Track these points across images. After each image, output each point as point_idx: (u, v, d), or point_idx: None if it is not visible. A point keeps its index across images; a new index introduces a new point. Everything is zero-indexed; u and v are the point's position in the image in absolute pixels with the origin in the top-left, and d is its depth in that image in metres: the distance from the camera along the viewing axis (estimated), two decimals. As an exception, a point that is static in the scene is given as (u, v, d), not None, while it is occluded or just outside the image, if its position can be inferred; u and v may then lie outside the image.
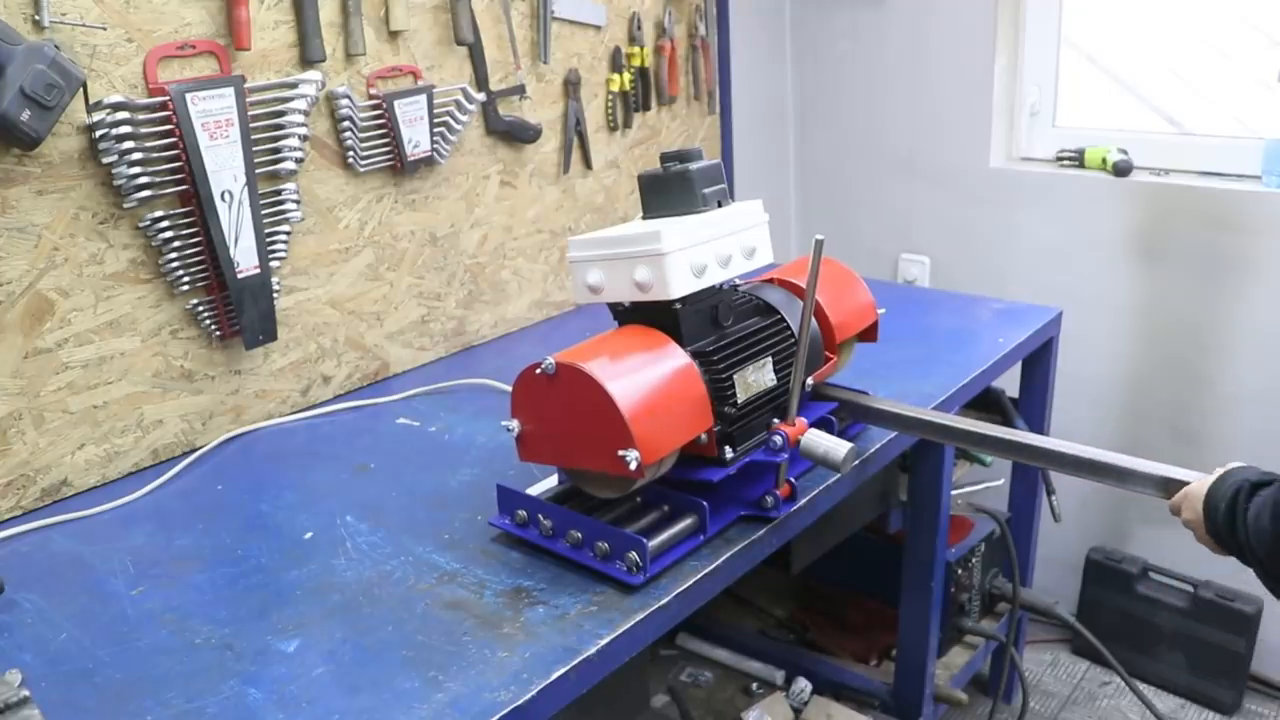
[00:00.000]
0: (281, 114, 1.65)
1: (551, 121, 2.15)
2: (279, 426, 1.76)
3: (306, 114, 1.68)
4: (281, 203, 1.69)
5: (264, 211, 1.65)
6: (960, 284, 2.64)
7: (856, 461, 1.49)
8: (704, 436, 1.26)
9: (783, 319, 1.42)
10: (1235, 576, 2.30)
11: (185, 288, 1.60)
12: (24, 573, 1.33)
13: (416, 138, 1.85)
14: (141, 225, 1.53)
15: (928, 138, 2.68)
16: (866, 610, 2.24)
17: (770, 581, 2.33)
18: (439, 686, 1.07)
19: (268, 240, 1.67)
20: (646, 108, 2.35)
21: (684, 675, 2.19)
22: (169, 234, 1.56)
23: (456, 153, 1.98)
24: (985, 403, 2.12)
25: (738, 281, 1.44)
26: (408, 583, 1.27)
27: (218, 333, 1.66)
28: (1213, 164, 2.34)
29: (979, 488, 2.19)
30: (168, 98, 1.50)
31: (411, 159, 1.86)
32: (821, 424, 1.41)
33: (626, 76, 2.27)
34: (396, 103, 1.80)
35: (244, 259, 1.63)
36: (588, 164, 2.25)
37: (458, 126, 1.93)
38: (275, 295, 1.70)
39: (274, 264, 1.70)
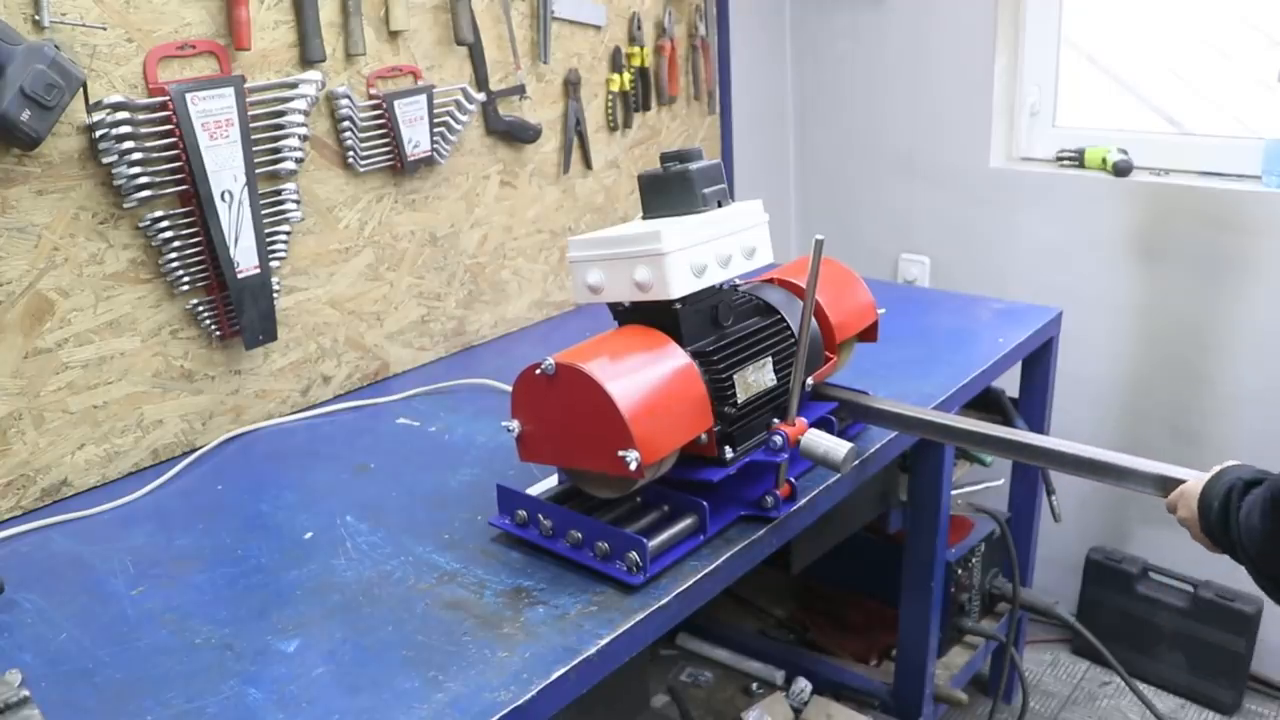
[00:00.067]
0: (281, 114, 1.65)
1: (551, 121, 2.15)
2: (279, 426, 1.76)
3: (306, 114, 1.68)
4: (281, 203, 1.69)
5: (264, 211, 1.65)
6: (960, 284, 2.64)
7: (856, 461, 1.49)
8: (704, 436, 1.26)
9: (783, 319, 1.42)
10: (1235, 576, 2.29)
11: (185, 288, 1.60)
12: (24, 573, 1.33)
13: (416, 138, 1.85)
14: (141, 225, 1.54)
15: (928, 138, 2.68)
16: (866, 610, 2.24)
17: (770, 581, 2.33)
18: (439, 686, 1.07)
19: (268, 240, 1.67)
20: (646, 108, 2.35)
21: (684, 675, 2.19)
22: (169, 234, 1.56)
23: (456, 153, 1.98)
24: (985, 403, 2.12)
25: (738, 281, 1.44)
26: (408, 583, 1.27)
27: (218, 333, 1.66)
28: (1213, 164, 2.34)
29: (979, 488, 2.19)
30: (168, 98, 1.50)
31: (411, 159, 1.86)
32: (821, 424, 1.41)
33: (626, 76, 2.27)
34: (396, 103, 1.80)
35: (244, 259, 1.63)
36: (588, 164, 2.25)
37: (458, 126, 1.93)
38: (275, 295, 1.71)
39: (274, 264, 1.70)
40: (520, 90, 2.06)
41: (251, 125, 1.60)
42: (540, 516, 1.30)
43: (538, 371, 1.23)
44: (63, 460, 1.53)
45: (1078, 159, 2.48)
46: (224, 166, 1.57)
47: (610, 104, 2.26)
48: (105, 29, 1.45)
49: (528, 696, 1.05)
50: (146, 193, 1.51)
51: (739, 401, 1.29)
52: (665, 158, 1.36)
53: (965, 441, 1.44)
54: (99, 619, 1.23)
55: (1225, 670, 2.43)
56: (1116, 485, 1.29)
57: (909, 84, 2.66)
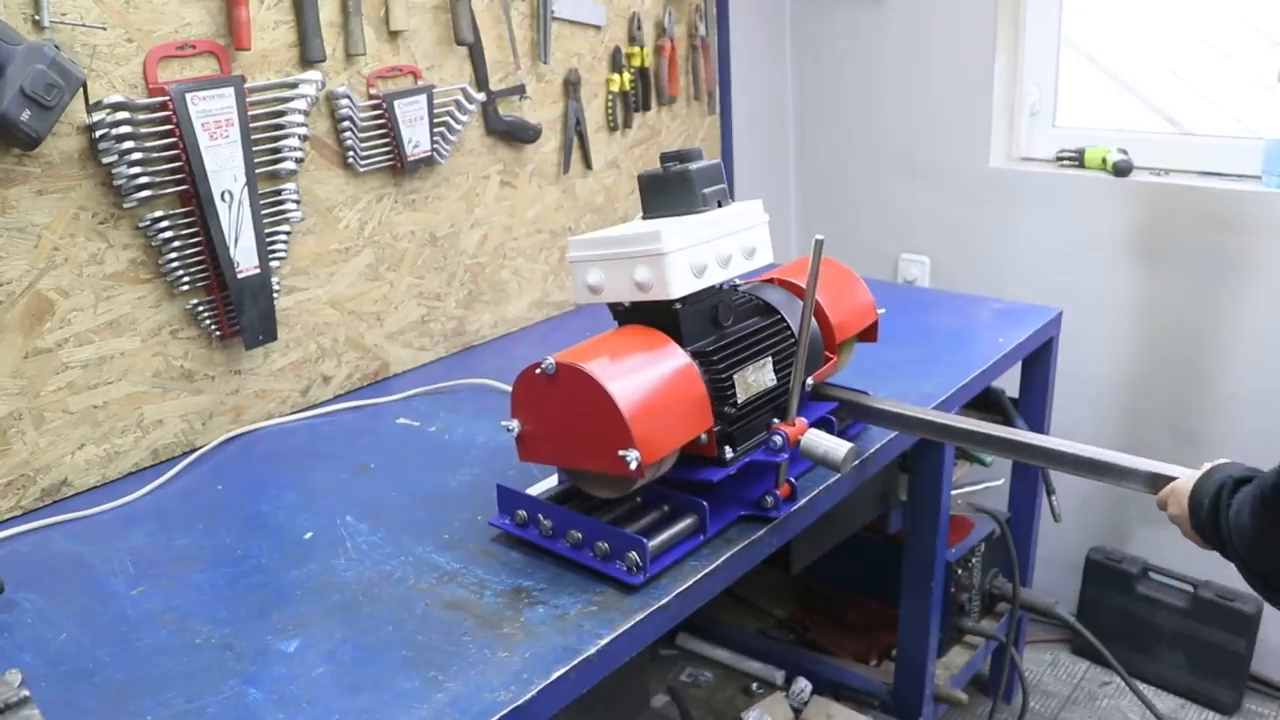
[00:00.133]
0: (281, 114, 1.65)
1: (551, 121, 2.15)
2: (279, 426, 1.76)
3: (306, 114, 1.68)
4: (281, 203, 1.69)
5: (264, 211, 1.65)
6: (960, 284, 2.64)
7: (856, 461, 1.49)
8: (704, 436, 1.26)
9: (783, 319, 1.42)
10: (1235, 576, 2.29)
11: (185, 288, 1.60)
12: (24, 573, 1.33)
13: (416, 138, 1.85)
14: (141, 225, 1.54)
15: (928, 138, 2.68)
16: (866, 610, 2.24)
17: (770, 581, 2.33)
18: (439, 686, 1.07)
19: (268, 240, 1.67)
20: (646, 108, 2.35)
21: (684, 675, 2.19)
22: (169, 234, 1.56)
23: (456, 153, 1.98)
24: (985, 403, 2.12)
25: (738, 281, 1.44)
26: (408, 583, 1.27)
27: (218, 333, 1.66)
28: (1213, 164, 2.34)
29: (979, 488, 2.19)
30: (168, 98, 1.50)
31: (411, 159, 1.86)
32: (821, 424, 1.41)
33: (626, 76, 2.27)
34: (396, 103, 1.80)
35: (244, 259, 1.63)
36: (588, 164, 2.25)
37: (458, 126, 1.93)
38: (275, 295, 1.71)
39: (274, 264, 1.70)
40: (520, 90, 2.06)
41: (251, 125, 1.60)
42: (540, 516, 1.30)
43: (538, 371, 1.23)
44: (63, 460, 1.53)
45: (1078, 159, 2.48)
46: (224, 166, 1.57)
47: (610, 104, 2.26)
48: (105, 29, 1.45)
49: (528, 696, 1.05)
50: (146, 193, 1.51)
51: (739, 401, 1.29)
52: (665, 158, 1.36)
53: (965, 441, 1.44)
54: (99, 619, 1.23)
55: (1225, 670, 2.43)
56: (1107, 482, 1.30)
57: (909, 84, 2.66)
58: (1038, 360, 2.15)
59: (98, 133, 1.44)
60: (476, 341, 2.12)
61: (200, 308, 1.63)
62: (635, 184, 1.40)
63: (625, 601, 1.20)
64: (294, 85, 1.66)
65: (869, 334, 1.57)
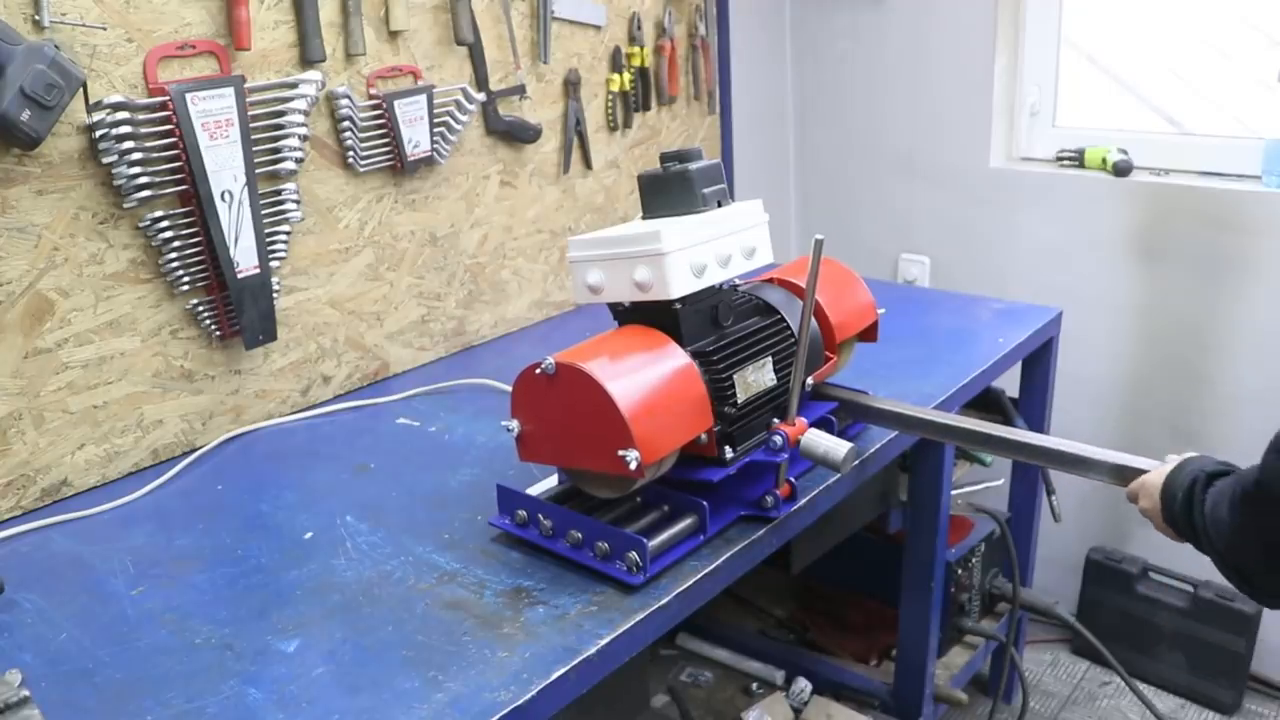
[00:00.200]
0: (281, 114, 1.65)
1: (551, 121, 2.15)
2: (279, 426, 1.76)
3: (306, 114, 1.68)
4: (281, 203, 1.69)
5: (264, 211, 1.65)
6: (960, 284, 2.64)
7: (856, 461, 1.49)
8: (704, 436, 1.26)
9: (783, 319, 1.42)
10: (1235, 576, 2.30)
11: (185, 288, 1.60)
12: (24, 573, 1.33)
13: (416, 138, 1.85)
14: (141, 225, 1.54)
15: (928, 138, 2.68)
16: (866, 610, 2.24)
17: (770, 581, 2.33)
18: (439, 686, 1.07)
19: (268, 240, 1.67)
20: (646, 108, 2.35)
21: (684, 675, 2.19)
22: (169, 234, 1.56)
23: (456, 153, 1.98)
24: (985, 403, 2.12)
25: (738, 281, 1.44)
26: (408, 583, 1.27)
27: (218, 333, 1.66)
28: (1213, 164, 2.34)
29: (979, 488, 2.19)
30: (168, 98, 1.50)
31: (411, 159, 1.86)
32: (821, 424, 1.41)
33: (626, 76, 2.27)
34: (396, 103, 1.80)
35: (244, 259, 1.63)
36: (588, 164, 2.25)
37: (458, 126, 1.93)
38: (275, 295, 1.71)
39: (274, 264, 1.70)
40: (520, 90, 2.06)
41: (251, 125, 1.60)
42: (540, 516, 1.30)
43: (538, 371, 1.23)
44: (63, 460, 1.53)
45: (1078, 159, 2.48)
46: (224, 166, 1.57)
47: (610, 104, 2.26)
48: (105, 29, 1.44)
49: (528, 696, 1.05)
50: (146, 193, 1.51)
51: (739, 401, 1.29)
52: (665, 158, 1.36)
53: (964, 440, 1.44)
54: (99, 619, 1.23)
55: (1225, 670, 2.43)
56: (1075, 474, 1.33)
57: (909, 84, 2.66)
58: (1038, 360, 2.15)
59: (98, 133, 1.44)
60: (476, 341, 2.12)
61: (200, 308, 1.63)
62: (635, 184, 1.40)
63: (625, 601, 1.20)
64: (294, 85, 1.66)
65: (869, 334, 1.57)
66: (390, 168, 1.86)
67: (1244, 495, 1.02)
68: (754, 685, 2.14)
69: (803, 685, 2.02)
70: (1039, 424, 2.18)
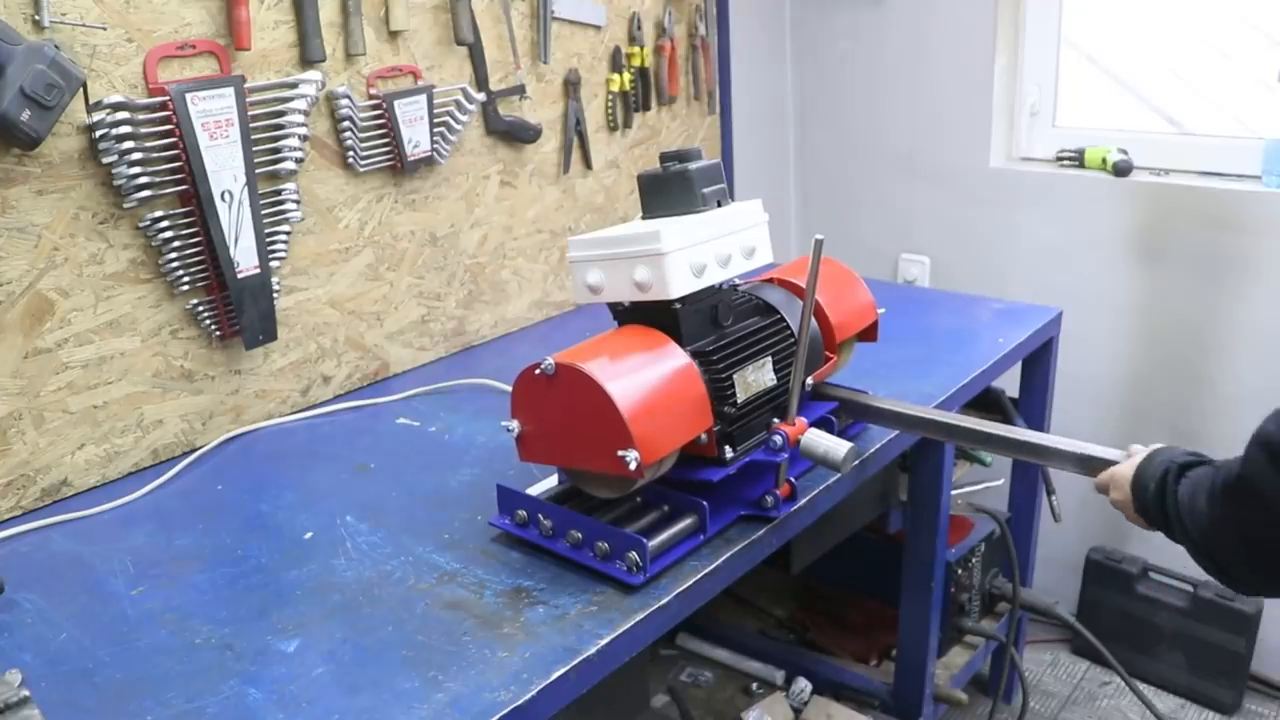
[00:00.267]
0: (281, 114, 1.65)
1: (551, 121, 2.15)
2: (279, 426, 1.76)
3: (306, 114, 1.68)
4: (281, 203, 1.69)
5: (264, 211, 1.65)
6: (960, 284, 2.64)
7: (856, 461, 1.49)
8: (704, 436, 1.26)
9: (783, 319, 1.42)
10: (1235, 576, 2.29)
11: (185, 288, 1.60)
12: (24, 573, 1.33)
13: (416, 138, 1.85)
14: (141, 225, 1.54)
15: (928, 138, 2.68)
16: (866, 610, 2.24)
17: (770, 581, 2.33)
18: (439, 686, 1.07)
19: (268, 240, 1.67)
20: (646, 108, 2.35)
21: (684, 675, 2.19)
22: (169, 234, 1.56)
23: (456, 153, 1.98)
24: (985, 403, 2.12)
25: (737, 281, 1.44)
26: (408, 583, 1.27)
27: (218, 333, 1.66)
28: (1213, 164, 2.34)
29: (979, 488, 2.19)
30: (168, 98, 1.50)
31: (411, 159, 1.86)
32: (821, 424, 1.41)
33: (626, 76, 2.27)
34: (396, 103, 1.80)
35: (244, 259, 1.63)
36: (588, 164, 2.25)
37: (458, 126, 1.93)
38: (275, 295, 1.71)
39: (274, 264, 1.70)
40: (520, 90, 2.06)
41: (251, 125, 1.60)
42: (540, 516, 1.30)
43: (537, 371, 1.23)
44: (63, 460, 1.53)
45: (1078, 159, 2.48)
46: (224, 166, 1.57)
47: (610, 104, 2.26)
48: (105, 29, 1.44)
49: (528, 696, 1.05)
50: (146, 193, 1.51)
51: (739, 401, 1.29)
52: (665, 158, 1.36)
53: (963, 439, 1.44)
54: (99, 619, 1.23)
55: (1225, 670, 2.43)
56: (1042, 464, 1.34)
57: (909, 84, 2.66)
58: (1038, 360, 2.15)
59: (98, 133, 1.44)
60: (476, 341, 2.12)
61: (200, 308, 1.63)
62: (635, 184, 1.40)
63: (625, 601, 1.20)
64: (294, 85, 1.66)
65: (869, 334, 1.57)
66: (390, 168, 1.86)
67: (1225, 488, 1.02)
68: (754, 685, 2.14)
69: (803, 685, 2.02)
70: (1039, 424, 2.18)
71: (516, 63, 2.04)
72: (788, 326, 1.41)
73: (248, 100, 1.58)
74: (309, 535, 1.40)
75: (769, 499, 1.34)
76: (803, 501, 1.40)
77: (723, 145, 2.61)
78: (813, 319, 1.36)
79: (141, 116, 1.48)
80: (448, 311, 2.04)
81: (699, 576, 1.25)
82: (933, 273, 2.76)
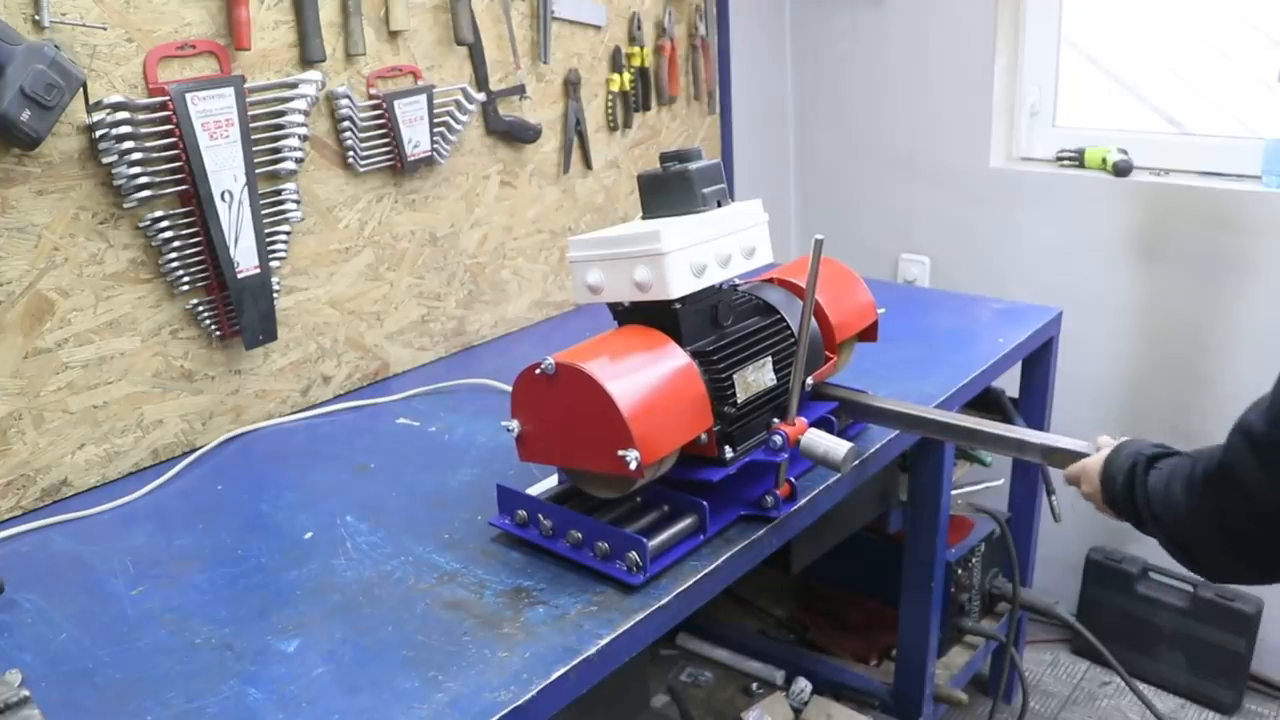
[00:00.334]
0: (281, 114, 1.65)
1: (551, 121, 2.15)
2: (279, 426, 1.76)
3: (306, 114, 1.68)
4: (281, 203, 1.69)
5: (264, 211, 1.65)
6: (960, 284, 2.64)
7: (856, 461, 1.49)
8: (704, 436, 1.26)
9: (783, 319, 1.42)
10: (1235, 576, 2.29)
11: (185, 288, 1.60)
12: (24, 573, 1.33)
13: (416, 138, 1.85)
14: (141, 225, 1.54)
15: (928, 138, 2.68)
16: (866, 610, 2.24)
17: (770, 581, 2.33)
18: (439, 686, 1.07)
19: (268, 240, 1.67)
20: (646, 108, 2.35)
21: (684, 675, 2.19)
22: (169, 234, 1.56)
23: (456, 153, 1.98)
24: (985, 403, 2.11)
25: (737, 281, 1.44)
26: (408, 583, 1.27)
27: (218, 333, 1.66)
28: (1213, 164, 2.34)
29: (979, 488, 2.19)
30: (168, 98, 1.50)
31: (411, 159, 1.86)
32: (821, 424, 1.41)
33: (626, 76, 2.27)
34: (396, 103, 1.80)
35: (244, 259, 1.63)
36: (588, 164, 2.25)
37: (458, 126, 1.93)
38: (275, 295, 1.70)
39: (274, 264, 1.70)
40: (520, 90, 2.06)
41: (251, 125, 1.60)
42: (540, 516, 1.30)
43: (538, 371, 1.23)
44: (63, 460, 1.53)
45: (1078, 159, 2.48)
46: (224, 166, 1.57)
47: (610, 104, 2.26)
48: (105, 29, 1.44)
49: (528, 696, 1.05)
50: (146, 193, 1.51)
51: (739, 401, 1.29)
52: (665, 158, 1.36)
53: (963, 439, 1.44)
54: (99, 619, 1.23)
55: (1225, 670, 2.43)
56: (1011, 456, 1.39)
57: (909, 84, 2.66)
58: (1038, 360, 2.15)
59: (98, 133, 1.44)
60: (476, 341, 2.12)
61: (200, 308, 1.63)
62: (635, 184, 1.40)
63: (625, 601, 1.20)
64: (294, 85, 1.66)
65: (869, 334, 1.57)
66: (390, 168, 1.86)
67: (1205, 477, 1.03)
68: (754, 685, 2.14)
69: (803, 685, 2.02)
70: (1039, 424, 2.18)
71: (516, 63, 2.04)
72: (788, 326, 1.41)
73: (248, 100, 1.58)
74: (309, 535, 1.40)
75: (769, 499, 1.34)
76: (803, 501, 1.40)
77: (723, 145, 2.61)
78: (813, 319, 1.36)
79: (141, 116, 1.48)
80: (448, 311, 2.04)
81: (699, 576, 1.25)
82: (933, 273, 2.76)
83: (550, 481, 1.41)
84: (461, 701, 1.04)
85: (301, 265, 1.77)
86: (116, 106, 1.45)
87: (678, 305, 1.28)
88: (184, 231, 1.57)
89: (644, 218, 1.37)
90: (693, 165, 1.33)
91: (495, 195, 2.08)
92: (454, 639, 1.15)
